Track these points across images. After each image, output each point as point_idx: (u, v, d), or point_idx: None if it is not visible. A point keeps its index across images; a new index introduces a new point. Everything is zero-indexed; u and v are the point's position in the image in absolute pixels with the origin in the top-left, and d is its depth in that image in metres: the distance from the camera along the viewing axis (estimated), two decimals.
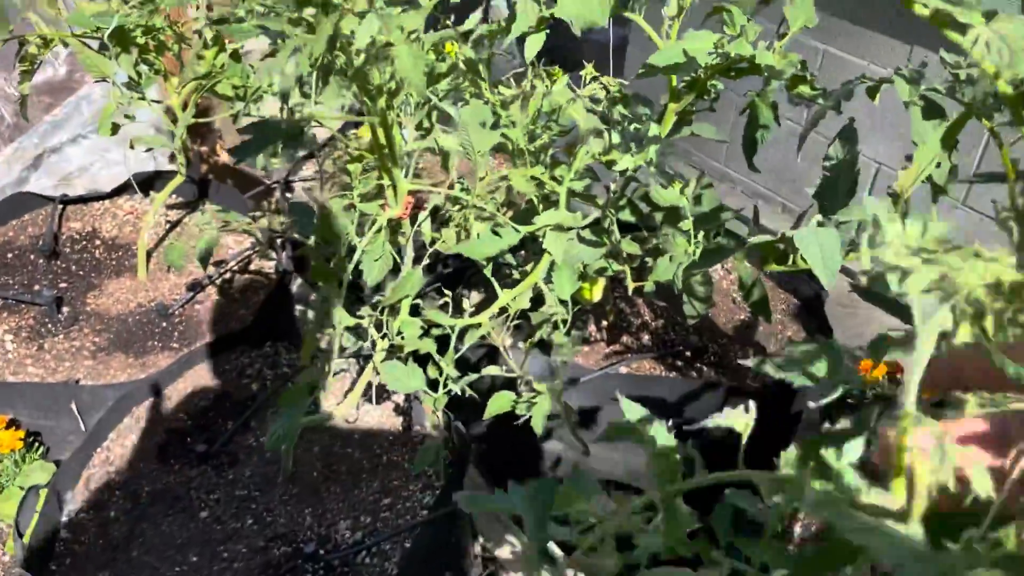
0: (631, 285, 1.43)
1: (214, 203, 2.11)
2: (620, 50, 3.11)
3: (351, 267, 1.16)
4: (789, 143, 2.55)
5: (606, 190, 1.48)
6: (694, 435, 1.74)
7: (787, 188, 2.75)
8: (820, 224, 0.97)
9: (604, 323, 1.90)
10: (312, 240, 1.19)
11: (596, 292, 1.60)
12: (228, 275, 1.92)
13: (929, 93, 0.99)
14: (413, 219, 1.19)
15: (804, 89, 1.23)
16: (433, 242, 1.23)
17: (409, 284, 1.19)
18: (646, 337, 1.88)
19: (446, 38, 1.03)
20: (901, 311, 1.24)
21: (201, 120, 1.79)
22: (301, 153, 2.55)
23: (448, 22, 1.09)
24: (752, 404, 0.58)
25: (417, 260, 1.22)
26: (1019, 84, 0.76)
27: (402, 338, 1.24)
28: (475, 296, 1.85)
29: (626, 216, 1.50)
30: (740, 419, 0.57)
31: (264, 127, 0.92)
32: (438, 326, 1.27)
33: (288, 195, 2.34)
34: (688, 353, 1.84)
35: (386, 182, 1.13)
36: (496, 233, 1.20)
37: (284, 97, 0.88)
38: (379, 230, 1.14)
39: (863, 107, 1.50)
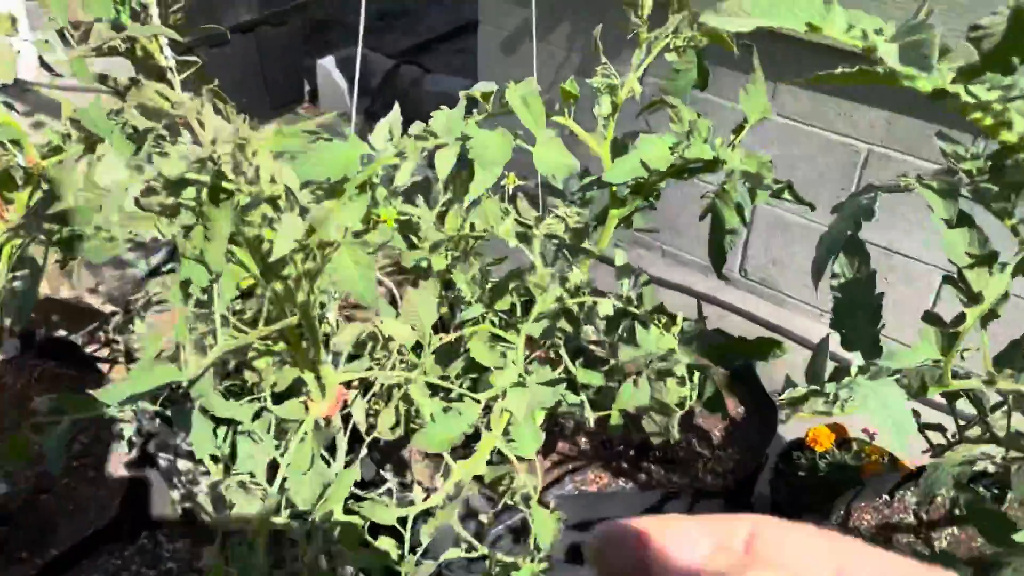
0: (591, 417, 1.24)
1: (40, 357, 1.73)
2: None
3: (276, 487, 0.89)
4: None
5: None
6: None
7: (731, 259, 2.38)
8: (862, 369, 0.81)
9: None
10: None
11: (539, 415, 1.41)
12: (80, 448, 1.55)
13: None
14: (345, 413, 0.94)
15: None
16: (371, 428, 0.98)
17: (342, 489, 0.94)
18: (583, 440, 1.70)
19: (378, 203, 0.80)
20: None
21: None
22: (147, 266, 2.19)
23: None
24: None
25: (351, 453, 0.97)
26: None
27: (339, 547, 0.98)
28: None
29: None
30: None
31: (141, 378, 0.66)
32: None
33: (131, 326, 1.97)
34: (631, 452, 1.67)
35: (308, 375, 0.87)
36: (447, 408, 0.97)
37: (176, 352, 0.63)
38: (304, 437, 0.89)
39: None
